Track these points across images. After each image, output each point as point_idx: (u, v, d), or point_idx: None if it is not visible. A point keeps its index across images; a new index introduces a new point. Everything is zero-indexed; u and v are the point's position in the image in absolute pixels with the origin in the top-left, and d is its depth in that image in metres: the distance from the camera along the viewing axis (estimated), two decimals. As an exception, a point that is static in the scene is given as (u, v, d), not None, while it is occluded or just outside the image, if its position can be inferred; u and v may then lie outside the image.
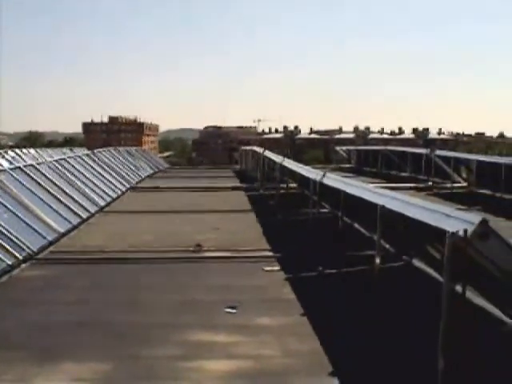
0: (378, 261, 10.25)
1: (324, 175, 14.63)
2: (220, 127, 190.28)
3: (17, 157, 24.09)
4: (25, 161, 22.51)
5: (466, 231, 6.69)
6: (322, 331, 9.24)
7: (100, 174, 28.71)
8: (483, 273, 7.31)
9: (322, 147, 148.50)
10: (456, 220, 7.19)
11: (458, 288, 7.32)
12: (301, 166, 20.18)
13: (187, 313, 10.38)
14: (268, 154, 28.17)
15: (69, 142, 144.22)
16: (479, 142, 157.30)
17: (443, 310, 7.05)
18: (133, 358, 8.38)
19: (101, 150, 35.16)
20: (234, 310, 10.31)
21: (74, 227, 18.54)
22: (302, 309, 10.43)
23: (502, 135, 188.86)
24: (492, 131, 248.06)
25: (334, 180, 13.95)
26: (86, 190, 23.45)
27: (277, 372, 7.83)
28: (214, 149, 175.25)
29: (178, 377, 7.74)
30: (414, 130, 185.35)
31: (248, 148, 44.22)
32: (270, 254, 14.75)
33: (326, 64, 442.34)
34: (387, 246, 13.91)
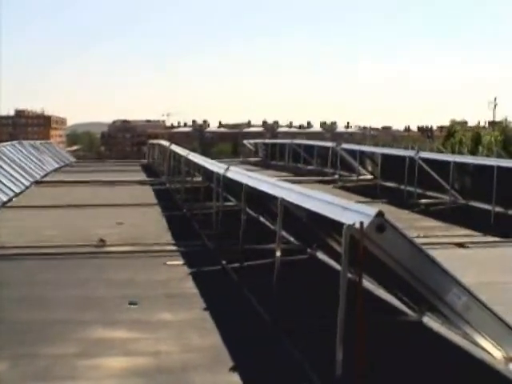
0: (278, 254, 10.25)
1: (227, 169, 14.60)
2: (128, 121, 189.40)
3: None
4: None
5: (362, 223, 6.74)
6: (224, 326, 9.21)
7: (2, 168, 28.06)
8: (380, 264, 7.38)
9: (231, 141, 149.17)
10: (353, 212, 7.24)
11: (356, 280, 7.38)
12: (205, 159, 20.12)
13: (88, 309, 10.20)
14: (174, 147, 28.05)
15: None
16: (386, 135, 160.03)
17: (341, 302, 7.10)
18: (29, 356, 8.15)
19: (4, 144, 34.46)
20: (135, 306, 10.20)
21: (-26, 223, 18.07)
22: (204, 303, 10.39)
23: (408, 129, 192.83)
24: (398, 125, 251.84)
25: (236, 173, 13.93)
26: (-13, 185, 22.90)
27: (176, 368, 7.74)
28: (123, 143, 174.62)
29: (75, 376, 7.57)
30: (322, 124, 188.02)
31: (155, 142, 44.01)
32: (174, 248, 14.70)
33: (234, 56, 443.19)
34: (292, 239, 14.00)
